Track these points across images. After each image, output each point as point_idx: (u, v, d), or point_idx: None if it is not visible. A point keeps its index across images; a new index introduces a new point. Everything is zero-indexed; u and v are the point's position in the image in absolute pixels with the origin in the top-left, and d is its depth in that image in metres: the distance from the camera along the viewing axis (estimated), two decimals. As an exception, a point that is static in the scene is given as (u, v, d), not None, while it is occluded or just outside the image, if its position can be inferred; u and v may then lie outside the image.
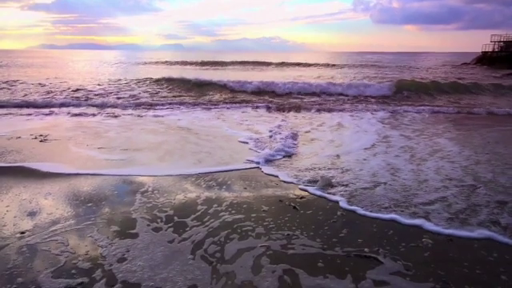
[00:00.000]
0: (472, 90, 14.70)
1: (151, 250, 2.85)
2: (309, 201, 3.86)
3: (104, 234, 3.10)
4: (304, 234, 3.13)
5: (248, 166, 5.00)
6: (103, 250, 2.84)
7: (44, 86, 14.91)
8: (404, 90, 13.84)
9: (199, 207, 3.66)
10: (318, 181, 4.31)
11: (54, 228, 3.18)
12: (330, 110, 10.41)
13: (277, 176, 4.62)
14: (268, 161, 5.18)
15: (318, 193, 4.03)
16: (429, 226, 3.31)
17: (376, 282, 2.49)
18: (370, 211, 3.61)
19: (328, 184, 4.23)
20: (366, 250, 2.88)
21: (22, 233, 3.09)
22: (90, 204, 3.70)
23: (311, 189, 4.14)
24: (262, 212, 3.56)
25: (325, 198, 3.93)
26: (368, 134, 7.30)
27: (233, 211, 3.57)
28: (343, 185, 4.29)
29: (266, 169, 4.87)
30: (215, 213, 3.53)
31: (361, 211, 3.60)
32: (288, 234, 3.12)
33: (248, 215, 3.48)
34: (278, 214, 3.50)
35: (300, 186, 4.24)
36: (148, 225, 3.26)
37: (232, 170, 4.80)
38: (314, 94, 13.48)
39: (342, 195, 3.97)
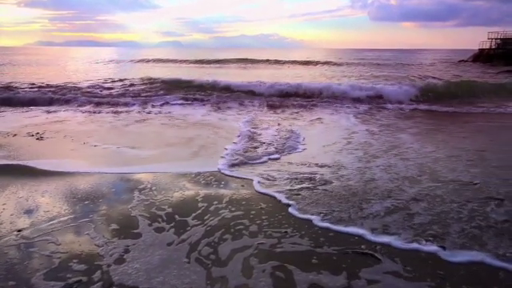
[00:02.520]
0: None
1: (150, 253, 2.84)
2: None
3: (101, 232, 3.08)
4: (296, 232, 3.12)
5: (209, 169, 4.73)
6: (100, 249, 2.83)
7: (29, 82, 14.65)
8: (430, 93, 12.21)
9: (200, 204, 3.65)
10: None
11: (50, 227, 3.16)
12: (315, 107, 10.41)
13: (226, 174, 4.56)
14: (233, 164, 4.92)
15: (264, 191, 3.97)
16: (400, 244, 2.89)
17: (370, 281, 2.49)
18: (331, 222, 3.24)
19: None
20: (362, 246, 2.88)
21: (19, 231, 3.07)
22: (87, 202, 3.69)
23: (257, 186, 4.11)
24: (260, 209, 3.55)
25: (274, 197, 3.81)
26: (337, 129, 7.36)
27: (232, 208, 3.56)
28: (292, 186, 4.07)
29: (228, 171, 4.65)
30: (215, 210, 3.52)
31: (319, 222, 3.24)
32: (286, 232, 3.11)
33: (247, 212, 3.47)
34: (274, 212, 3.50)
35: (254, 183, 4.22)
36: (149, 224, 3.25)
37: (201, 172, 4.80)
38: (312, 95, 12.49)
39: (296, 199, 3.72)
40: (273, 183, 4.22)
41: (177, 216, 3.39)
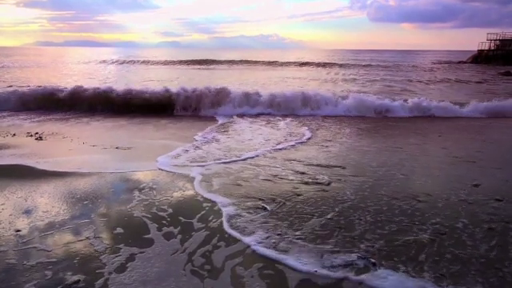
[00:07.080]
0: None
1: (152, 263, 2.83)
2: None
3: (100, 234, 3.06)
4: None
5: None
6: (99, 254, 2.79)
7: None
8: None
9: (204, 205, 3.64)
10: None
11: (49, 227, 3.14)
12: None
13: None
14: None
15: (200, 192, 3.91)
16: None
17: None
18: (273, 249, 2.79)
19: None
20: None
21: (17, 231, 3.06)
22: (86, 202, 3.66)
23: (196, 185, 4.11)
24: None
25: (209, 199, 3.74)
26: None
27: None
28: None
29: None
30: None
31: (264, 251, 2.78)
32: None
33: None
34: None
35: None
36: (152, 226, 3.25)
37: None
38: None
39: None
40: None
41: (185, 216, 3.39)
